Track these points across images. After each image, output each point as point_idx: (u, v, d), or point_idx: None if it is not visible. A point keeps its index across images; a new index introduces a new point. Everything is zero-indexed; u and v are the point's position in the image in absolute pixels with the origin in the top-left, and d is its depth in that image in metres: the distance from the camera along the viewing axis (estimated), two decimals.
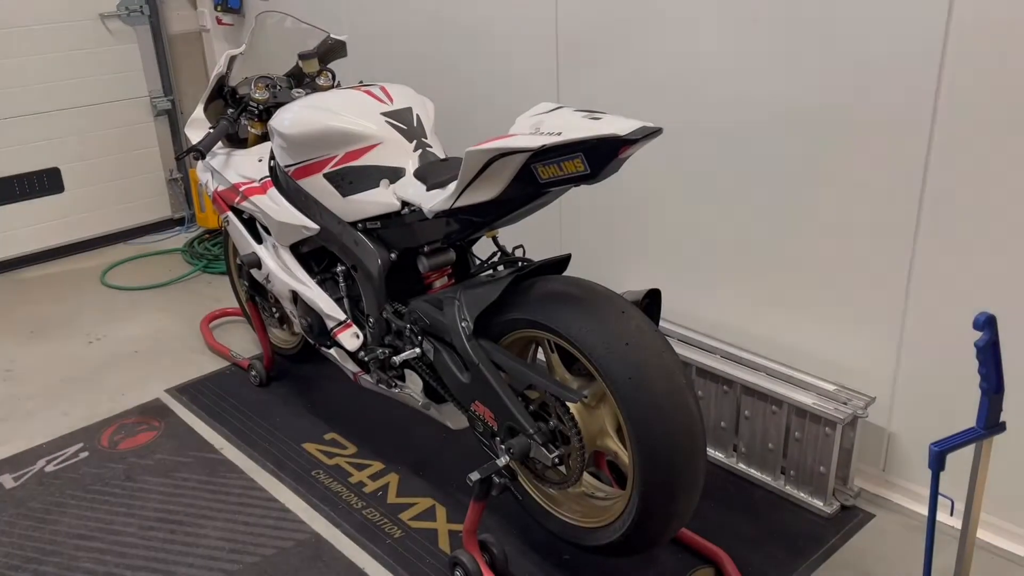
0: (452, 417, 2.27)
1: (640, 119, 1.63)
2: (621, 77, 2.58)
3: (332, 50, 2.70)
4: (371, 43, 3.38)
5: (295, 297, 2.46)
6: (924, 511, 2.23)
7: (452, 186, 1.87)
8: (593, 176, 1.67)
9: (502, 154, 1.70)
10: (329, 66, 2.73)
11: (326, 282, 2.41)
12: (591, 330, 1.77)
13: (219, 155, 2.60)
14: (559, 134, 1.64)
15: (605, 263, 2.84)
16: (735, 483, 2.39)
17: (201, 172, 2.72)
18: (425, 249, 2.18)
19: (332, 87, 2.61)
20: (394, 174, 2.15)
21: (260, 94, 2.50)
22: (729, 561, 2.05)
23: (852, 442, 2.22)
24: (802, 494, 2.28)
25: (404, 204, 2.11)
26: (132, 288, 3.94)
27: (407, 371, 2.25)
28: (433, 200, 1.91)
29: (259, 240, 2.54)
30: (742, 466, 2.41)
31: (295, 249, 2.44)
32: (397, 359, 2.11)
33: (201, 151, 2.37)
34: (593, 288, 1.87)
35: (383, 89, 2.28)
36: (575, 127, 1.64)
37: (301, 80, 2.75)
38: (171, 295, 3.87)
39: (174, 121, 4.58)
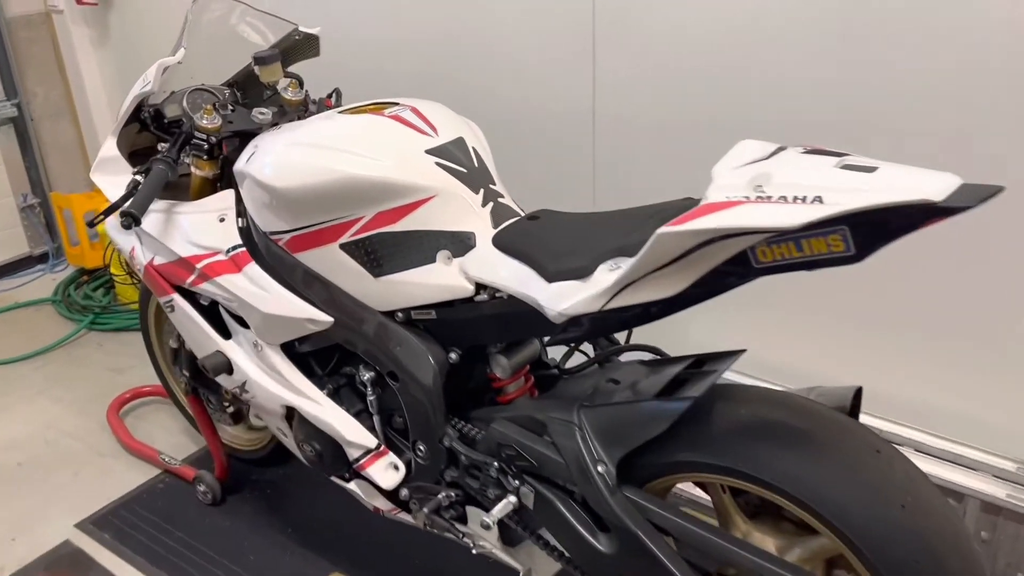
0: (540, 564, 1.62)
1: (934, 167, 1.03)
2: (673, 49, 1.96)
3: (297, 49, 1.92)
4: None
5: (289, 413, 1.71)
6: None
7: (604, 277, 1.20)
8: (856, 258, 1.06)
9: (725, 235, 1.06)
10: (289, 69, 1.95)
11: (340, 391, 1.68)
12: (839, 487, 1.17)
13: (152, 212, 1.77)
14: (817, 199, 1.02)
15: None
16: None
17: (117, 233, 1.87)
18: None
19: (303, 102, 1.84)
20: (458, 242, 1.45)
21: (209, 120, 1.69)
22: None
23: None
24: None
25: (479, 287, 1.42)
26: None
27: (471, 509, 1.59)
28: (568, 299, 1.23)
29: (225, 333, 1.76)
30: None
31: (288, 347, 1.68)
32: (489, 518, 1.43)
33: (135, 216, 1.55)
34: (809, 409, 1.27)
35: (416, 112, 1.54)
36: (842, 187, 1.02)
37: (248, 90, 1.96)
38: (52, 367, 2.95)
39: (23, 132, 3.56)
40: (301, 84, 1.88)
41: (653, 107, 2.05)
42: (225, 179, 1.80)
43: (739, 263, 1.12)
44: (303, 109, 1.83)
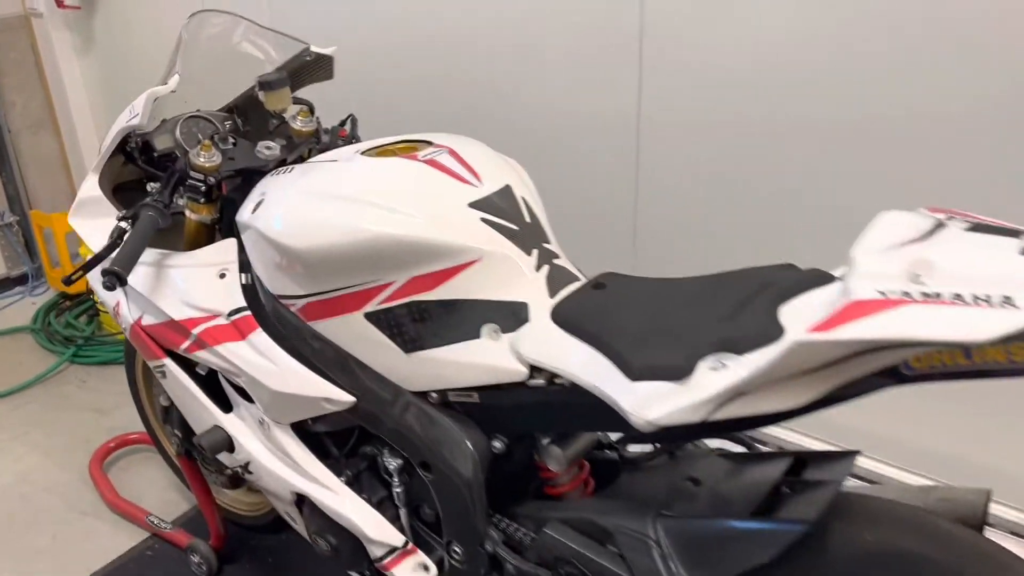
0: None
1: None
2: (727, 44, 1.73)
3: (307, 71, 1.67)
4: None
5: (300, 499, 1.47)
6: None
7: (708, 381, 0.96)
8: None
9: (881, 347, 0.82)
10: (298, 94, 1.70)
11: (359, 476, 1.43)
12: None
13: (141, 264, 1.52)
14: (1006, 300, 0.78)
15: None
16: None
17: (101, 287, 1.62)
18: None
19: (314, 133, 1.59)
20: (508, 315, 1.21)
21: (207, 158, 1.45)
22: None
23: None
24: None
25: (534, 369, 1.18)
26: None
27: None
28: (660, 406, 0.99)
29: (225, 405, 1.51)
30: None
31: (299, 426, 1.44)
32: None
33: (120, 275, 1.31)
34: (952, 536, 1.03)
35: (455, 155, 1.30)
36: None
37: (251, 115, 1.71)
38: (29, 407, 2.69)
39: (0, 143, 3.29)
40: (312, 111, 1.64)
41: (704, 111, 1.81)
42: (225, 223, 1.56)
43: (881, 373, 0.89)
44: (315, 141, 1.59)
